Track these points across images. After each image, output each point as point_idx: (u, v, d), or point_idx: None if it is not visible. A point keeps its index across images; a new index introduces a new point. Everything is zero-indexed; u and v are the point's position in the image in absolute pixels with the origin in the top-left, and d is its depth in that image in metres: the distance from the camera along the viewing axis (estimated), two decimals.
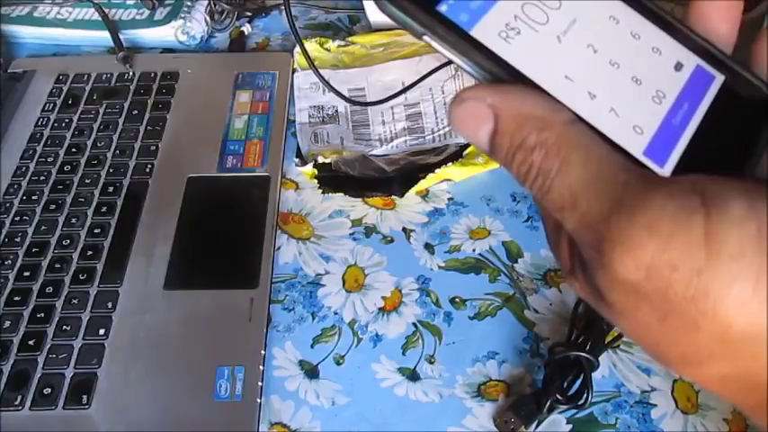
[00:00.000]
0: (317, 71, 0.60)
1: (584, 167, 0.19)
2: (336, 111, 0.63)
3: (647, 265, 0.17)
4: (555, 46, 0.20)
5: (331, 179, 0.57)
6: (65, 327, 0.48)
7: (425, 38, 0.20)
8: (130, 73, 0.67)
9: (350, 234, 0.54)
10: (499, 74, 0.20)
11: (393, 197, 0.56)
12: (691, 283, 0.17)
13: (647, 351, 0.20)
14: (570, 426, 0.44)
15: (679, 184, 0.18)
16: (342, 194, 0.56)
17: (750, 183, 0.18)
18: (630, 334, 0.20)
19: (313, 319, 0.49)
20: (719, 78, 0.21)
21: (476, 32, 0.20)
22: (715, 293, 0.17)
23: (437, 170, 0.56)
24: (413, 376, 0.46)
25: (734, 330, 0.17)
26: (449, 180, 0.57)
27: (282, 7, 0.75)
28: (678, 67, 0.21)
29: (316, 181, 0.57)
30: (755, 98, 0.21)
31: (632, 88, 0.20)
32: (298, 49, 0.68)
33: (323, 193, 0.57)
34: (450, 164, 0.56)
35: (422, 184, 0.56)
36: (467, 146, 0.58)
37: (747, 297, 0.16)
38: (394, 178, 0.57)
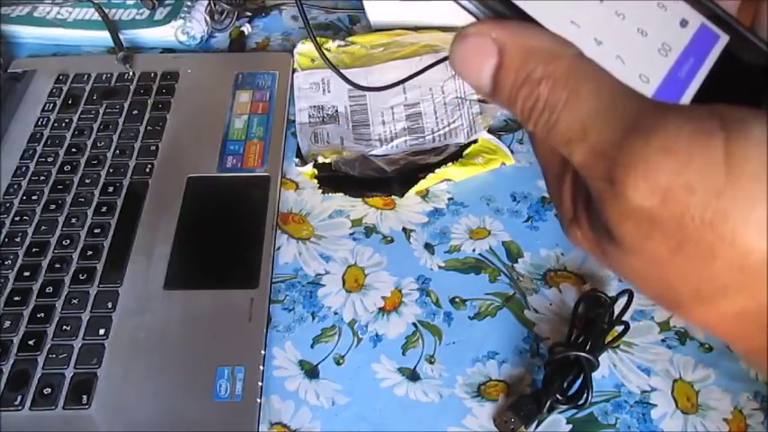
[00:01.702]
0: (328, 60, 0.59)
1: (596, 97, 0.18)
2: (336, 111, 0.63)
3: (663, 188, 0.16)
4: None
5: (331, 179, 0.57)
6: (65, 327, 0.48)
7: None
8: (130, 73, 0.67)
9: (350, 234, 0.54)
10: (504, 13, 0.20)
11: (393, 197, 0.56)
12: (709, 206, 0.16)
13: (656, 293, 0.19)
14: (570, 426, 0.44)
15: (697, 108, 0.17)
16: (342, 194, 0.56)
17: None
18: (638, 274, 0.19)
19: (313, 319, 0.49)
20: (724, 38, 0.21)
21: None
22: (735, 216, 0.16)
23: (437, 170, 0.56)
24: (413, 376, 0.46)
25: (754, 257, 0.16)
26: (449, 180, 0.57)
27: (283, 7, 0.75)
28: (683, 23, 0.21)
29: (315, 181, 0.57)
30: (759, 60, 0.21)
31: (638, 39, 0.20)
32: (298, 48, 0.68)
33: (323, 193, 0.57)
34: (449, 164, 0.57)
35: (421, 185, 0.56)
36: (467, 146, 0.58)
37: None
38: (394, 178, 0.57)
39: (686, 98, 0.20)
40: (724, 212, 0.16)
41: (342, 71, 0.65)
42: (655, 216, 0.17)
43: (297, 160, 0.59)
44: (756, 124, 0.16)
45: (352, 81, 0.60)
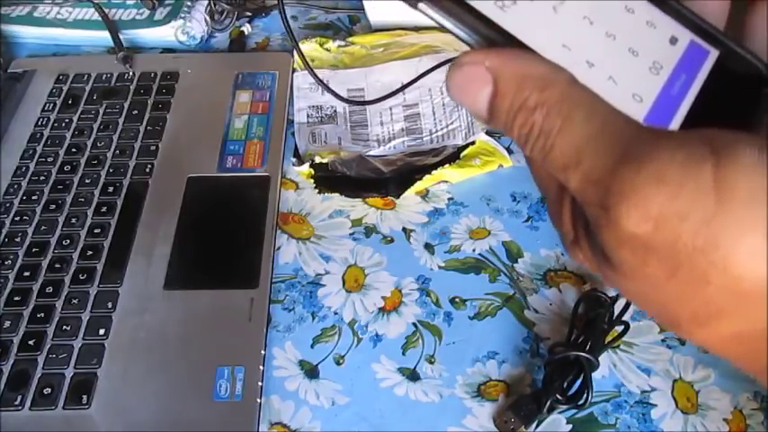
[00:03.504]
0: (312, 70, 0.60)
1: (588, 123, 0.18)
2: (335, 111, 0.63)
3: (655, 216, 0.16)
4: (551, 16, 0.20)
5: (328, 179, 0.57)
6: (65, 327, 0.48)
7: (421, 5, 0.20)
8: (130, 73, 0.67)
9: (350, 234, 0.54)
10: (496, 40, 0.20)
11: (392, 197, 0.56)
12: (700, 233, 0.16)
13: (656, 314, 0.19)
14: (570, 426, 0.44)
15: (687, 134, 0.17)
16: (339, 195, 0.57)
17: (758, 136, 0.17)
18: (638, 296, 0.19)
19: (313, 319, 0.49)
20: (714, 53, 0.21)
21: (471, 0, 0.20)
22: (725, 243, 0.16)
23: (434, 171, 0.56)
24: (413, 376, 0.46)
25: (745, 282, 0.16)
26: (445, 182, 0.57)
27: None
28: (673, 41, 0.21)
29: (312, 181, 0.57)
30: (750, 73, 0.21)
31: (629, 59, 0.20)
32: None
33: (319, 193, 0.57)
34: (447, 165, 0.57)
35: (418, 186, 0.56)
36: (464, 147, 0.58)
37: (759, 246, 0.16)
38: (391, 179, 0.57)
39: (680, 115, 0.20)
40: (715, 239, 0.16)
41: (341, 70, 0.66)
42: (649, 242, 0.17)
43: (294, 160, 0.59)
44: (746, 149, 0.16)
45: (338, 94, 0.60)
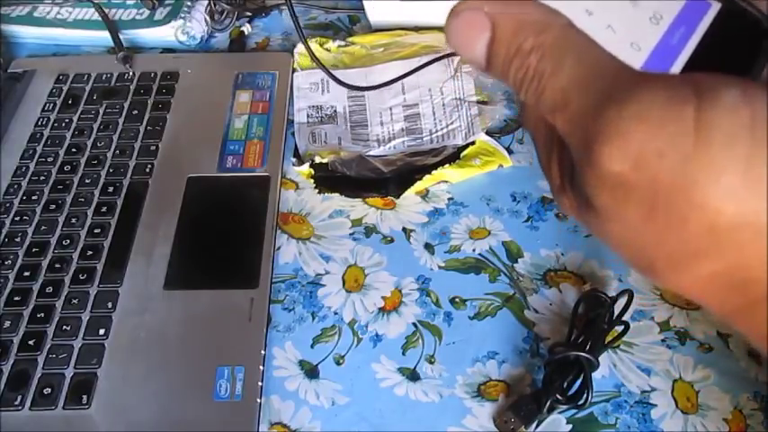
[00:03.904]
0: (320, 62, 0.60)
1: (579, 66, 0.18)
2: (335, 111, 0.63)
3: (634, 154, 0.17)
4: None
5: (327, 179, 0.57)
6: (65, 327, 0.48)
7: None
8: (130, 73, 0.67)
9: (350, 234, 0.54)
10: None
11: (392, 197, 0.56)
12: (678, 171, 0.16)
13: (632, 259, 0.19)
14: (570, 426, 0.44)
15: (673, 77, 0.17)
16: (339, 194, 0.57)
17: (741, 78, 0.17)
18: (616, 241, 0.19)
19: (313, 319, 0.49)
20: (716, 5, 0.21)
21: None
22: (703, 181, 0.16)
23: (434, 171, 0.56)
24: (413, 376, 0.46)
25: (722, 219, 0.16)
26: (445, 182, 0.57)
27: (283, 7, 0.75)
28: None
29: (312, 181, 0.57)
30: (751, 26, 0.21)
31: (629, 8, 0.21)
32: (298, 48, 0.68)
33: (319, 193, 0.57)
34: (447, 165, 0.57)
35: (418, 186, 0.56)
36: (464, 147, 0.58)
37: (737, 185, 0.16)
38: (390, 179, 0.57)
39: (678, 65, 0.20)
40: (693, 177, 0.16)
41: (341, 71, 0.65)
42: (627, 182, 0.17)
43: (294, 160, 0.59)
44: (729, 91, 0.16)
45: (343, 81, 0.60)
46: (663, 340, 0.47)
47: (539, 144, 0.23)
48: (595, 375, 0.44)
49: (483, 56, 0.20)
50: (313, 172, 0.57)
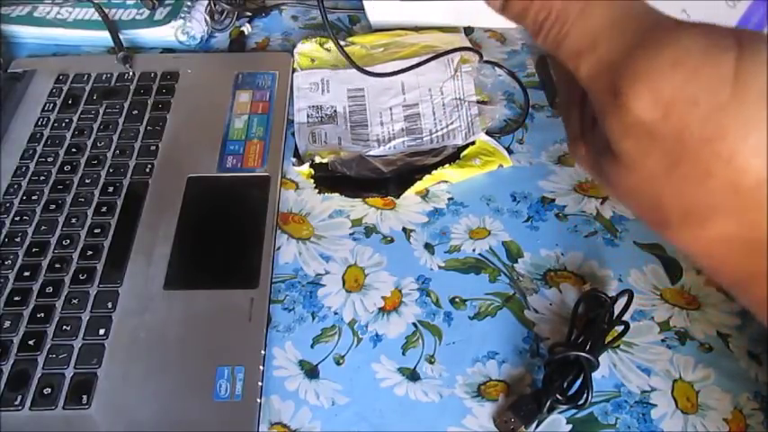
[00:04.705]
0: (348, 56, 0.59)
1: (609, 8, 0.17)
2: (335, 111, 0.63)
3: (666, 101, 0.16)
4: None
5: (327, 179, 0.57)
6: (65, 327, 0.48)
7: None
8: (130, 73, 0.67)
9: (350, 234, 0.54)
10: None
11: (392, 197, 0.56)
12: (709, 121, 0.15)
13: (646, 213, 0.19)
14: (570, 426, 0.44)
15: (714, 26, 0.16)
16: (339, 194, 0.57)
17: None
18: (632, 193, 0.19)
19: (313, 319, 0.49)
20: None
21: None
22: (735, 134, 0.15)
23: (434, 171, 0.56)
24: (413, 376, 0.46)
25: (749, 177, 0.16)
26: (445, 182, 0.57)
27: (283, 7, 0.75)
28: None
29: (312, 181, 0.57)
30: None
31: None
32: (298, 48, 0.68)
33: (319, 193, 0.57)
34: (446, 165, 0.57)
35: (418, 186, 0.56)
36: (464, 147, 0.58)
37: (763, 145, 0.15)
38: (390, 179, 0.57)
39: None
40: (723, 129, 0.15)
41: (341, 71, 0.65)
42: (655, 131, 0.16)
43: (294, 160, 0.59)
44: None
45: (360, 67, 0.59)
46: (663, 340, 0.47)
47: (560, 95, 0.22)
48: (595, 375, 0.44)
49: None
50: (313, 172, 0.57)
